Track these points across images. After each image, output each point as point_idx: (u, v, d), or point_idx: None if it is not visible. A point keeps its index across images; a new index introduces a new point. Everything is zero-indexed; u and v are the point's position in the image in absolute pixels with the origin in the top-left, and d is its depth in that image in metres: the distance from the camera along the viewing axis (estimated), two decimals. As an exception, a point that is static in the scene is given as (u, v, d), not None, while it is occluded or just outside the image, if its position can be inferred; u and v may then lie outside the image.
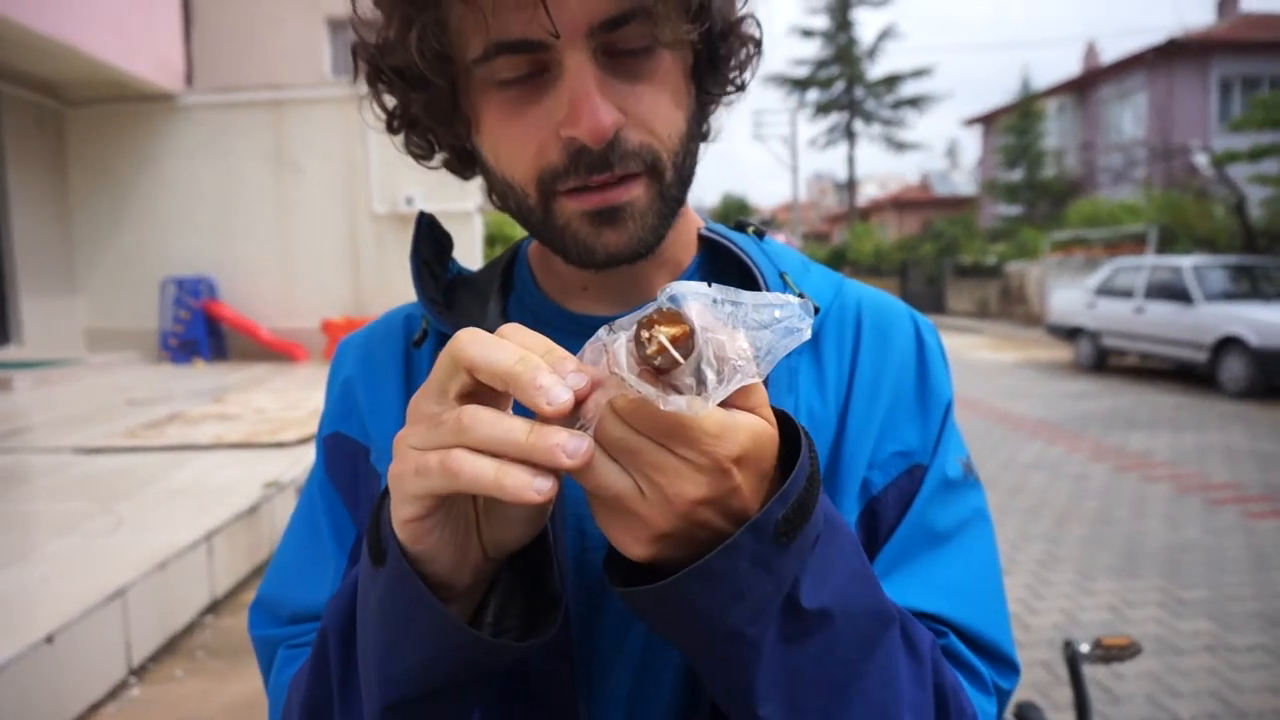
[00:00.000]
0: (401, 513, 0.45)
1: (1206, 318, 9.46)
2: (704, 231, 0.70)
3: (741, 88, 0.63)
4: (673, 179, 0.58)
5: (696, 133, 0.61)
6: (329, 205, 10.24)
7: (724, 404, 0.42)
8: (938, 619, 0.59)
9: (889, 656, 0.50)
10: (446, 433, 0.42)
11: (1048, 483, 5.73)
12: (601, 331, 0.42)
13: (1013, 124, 23.72)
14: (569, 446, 0.40)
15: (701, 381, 0.39)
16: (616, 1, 0.51)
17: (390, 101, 0.62)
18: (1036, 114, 23.49)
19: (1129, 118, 21.53)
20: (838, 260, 31.50)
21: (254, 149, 10.25)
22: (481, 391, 0.43)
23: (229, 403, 6.90)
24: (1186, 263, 10.34)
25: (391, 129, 0.64)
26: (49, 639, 2.53)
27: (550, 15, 0.50)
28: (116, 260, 10.31)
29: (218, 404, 6.84)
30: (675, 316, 0.39)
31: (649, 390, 0.39)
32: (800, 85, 32.09)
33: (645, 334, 0.39)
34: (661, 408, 0.39)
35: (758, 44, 0.63)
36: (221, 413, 6.38)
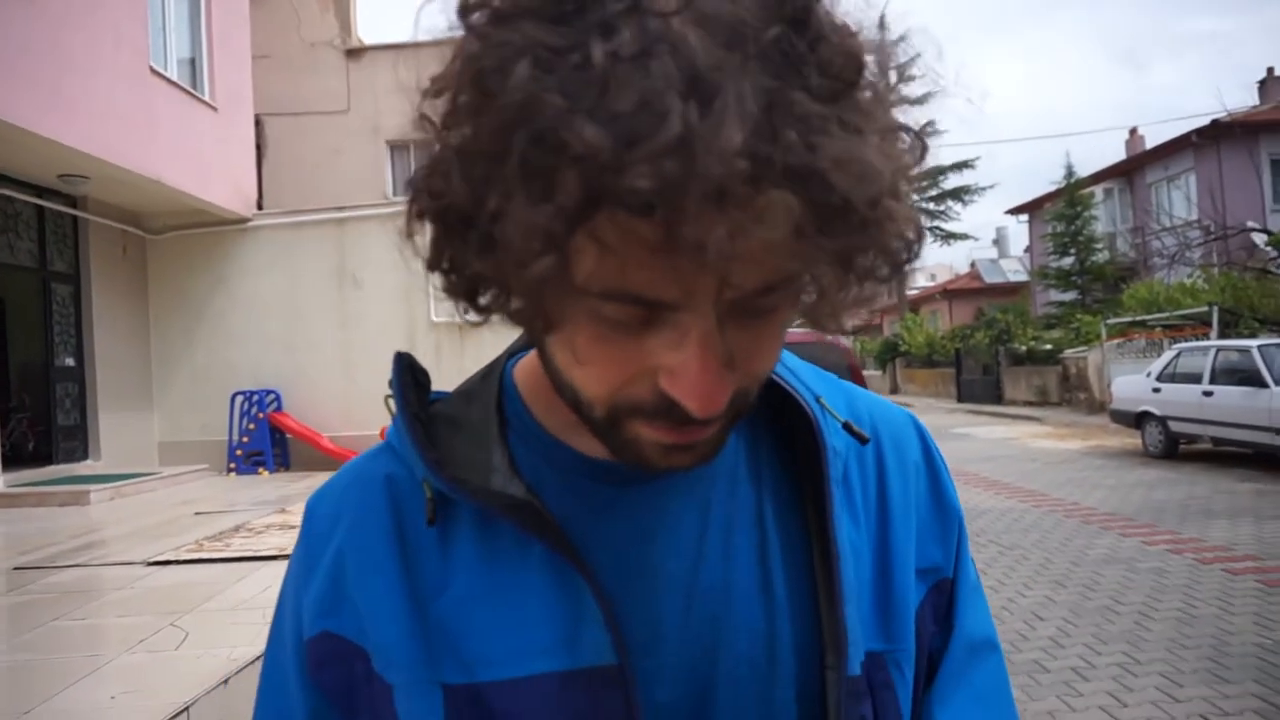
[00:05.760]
0: None
1: (1279, 400, 9.10)
2: None
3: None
4: (755, 397, 0.50)
5: None
6: (389, 316, 10.63)
7: None
8: None
9: None
10: None
11: (1124, 579, 5.46)
12: None
13: (1060, 211, 23.69)
14: None
15: None
16: (773, 276, 0.42)
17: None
18: (1083, 200, 23.45)
19: (1179, 199, 21.36)
20: (891, 351, 31.26)
21: (318, 266, 10.78)
22: None
23: (291, 513, 7.04)
24: (1254, 344, 10.04)
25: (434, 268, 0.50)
26: (116, 757, 2.57)
27: (715, 294, 0.42)
28: (189, 376, 10.78)
29: (281, 514, 6.99)
30: None
31: None
32: (842, 182, 32.57)
33: None
34: None
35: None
36: (285, 522, 6.51)
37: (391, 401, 0.59)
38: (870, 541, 0.59)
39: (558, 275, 0.40)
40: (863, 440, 0.60)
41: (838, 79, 0.39)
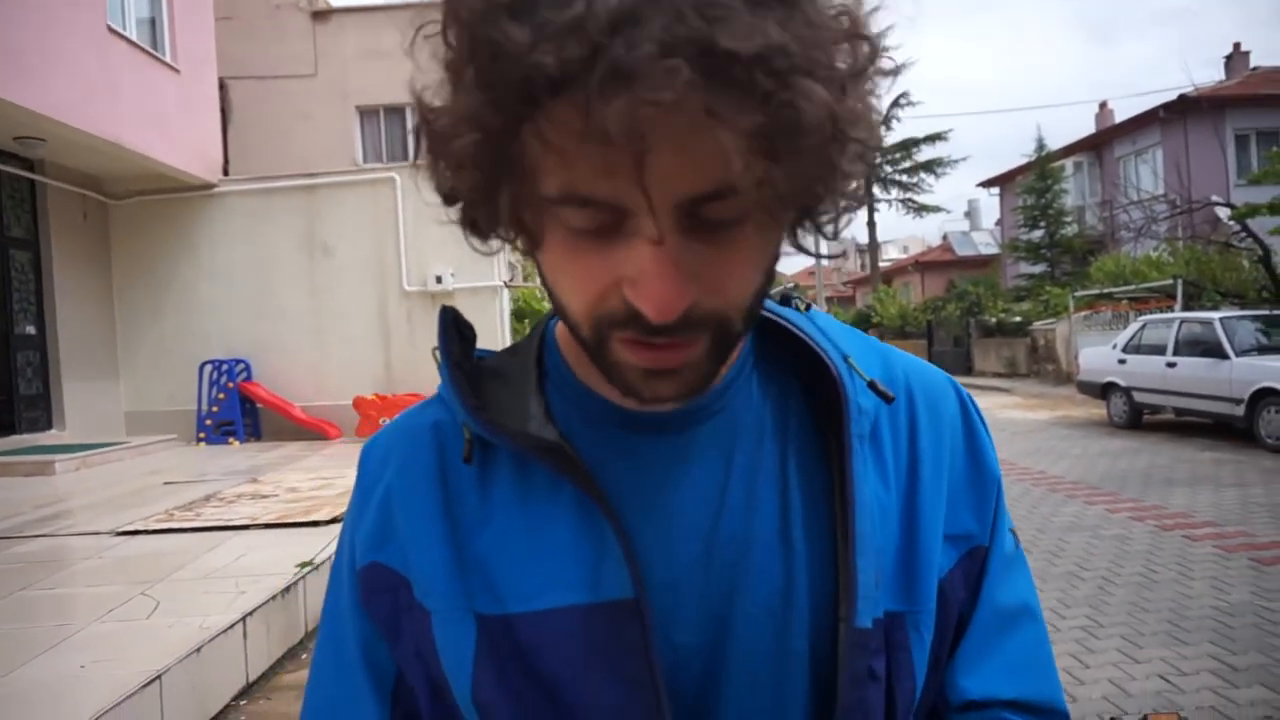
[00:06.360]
0: None
1: (1240, 371, 9.31)
2: None
3: (834, 236, 0.55)
4: (741, 329, 0.52)
5: (773, 275, 0.54)
6: (360, 285, 10.50)
7: None
8: (1016, 703, 0.62)
9: None
10: None
11: (1088, 545, 5.60)
12: None
13: (1030, 184, 23.88)
14: None
15: None
16: (713, 176, 0.44)
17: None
18: (1054, 173, 23.66)
19: (1147, 174, 21.62)
20: (863, 323, 31.52)
21: (287, 233, 10.59)
22: None
23: (263, 482, 6.98)
24: (1216, 316, 10.25)
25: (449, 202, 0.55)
26: (87, 726, 2.55)
27: (637, 178, 0.44)
28: (156, 345, 10.60)
29: (252, 484, 6.93)
30: None
31: None
32: (817, 153, 32.54)
33: None
34: None
35: (864, 197, 0.54)
36: (256, 492, 6.46)
37: (438, 353, 0.63)
38: (899, 502, 0.60)
39: (496, 169, 0.46)
40: (887, 399, 0.61)
41: None
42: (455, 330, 0.64)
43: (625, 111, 0.39)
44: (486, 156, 0.46)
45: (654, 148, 0.42)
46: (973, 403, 0.68)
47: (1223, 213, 16.04)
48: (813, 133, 0.42)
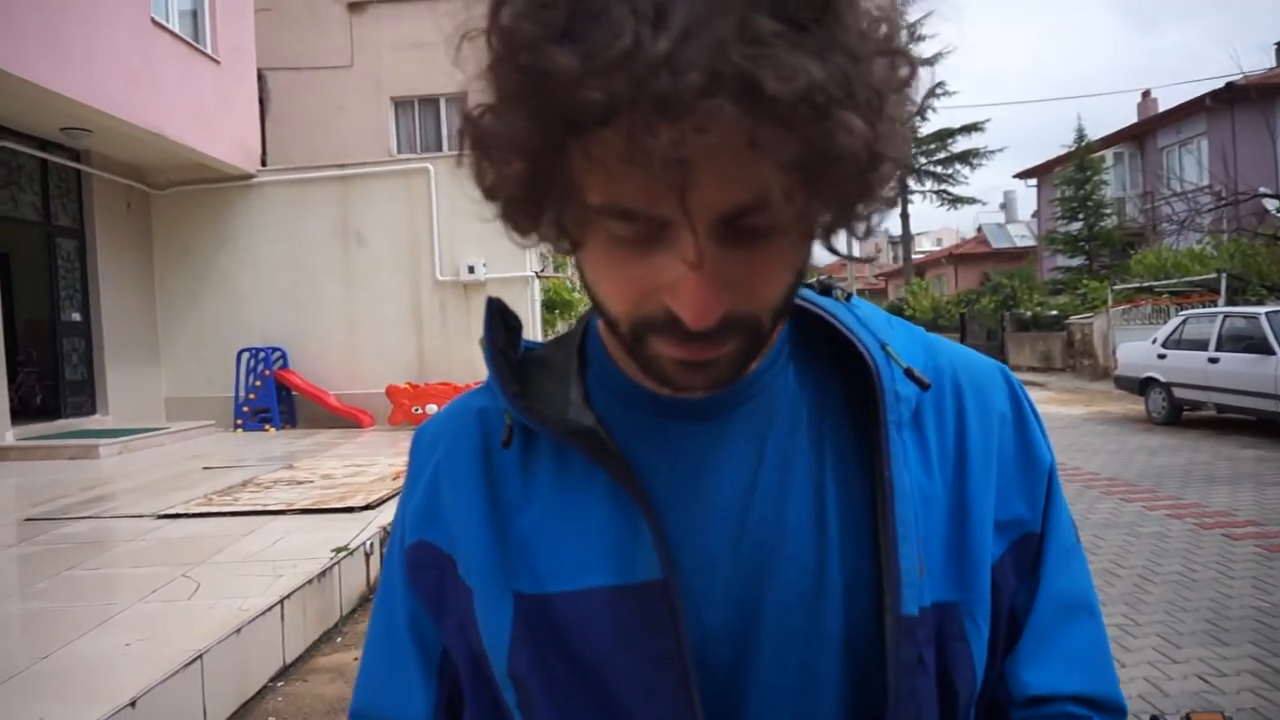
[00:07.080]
0: None
1: (1286, 367, 9.08)
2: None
3: (866, 236, 0.55)
4: (769, 328, 0.54)
5: (805, 273, 0.55)
6: (393, 274, 10.61)
7: None
8: (1079, 698, 0.62)
9: None
10: None
11: (1124, 542, 5.51)
12: None
13: (1069, 175, 23.42)
14: None
15: None
16: (752, 195, 0.45)
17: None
18: (1093, 164, 23.17)
19: (1191, 164, 21.09)
20: (896, 316, 31.22)
21: (323, 223, 10.72)
22: None
23: (299, 469, 7.10)
24: (1262, 311, 9.99)
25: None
26: (132, 704, 2.62)
27: (680, 203, 0.45)
28: (195, 332, 10.81)
29: (288, 470, 7.05)
30: None
31: None
32: (850, 144, 32.17)
33: None
34: None
35: (895, 198, 0.53)
36: (292, 478, 6.58)
37: (483, 342, 0.66)
38: (946, 491, 0.60)
39: (542, 185, 0.48)
40: (923, 386, 0.60)
41: (799, 3, 0.42)
42: (500, 320, 0.67)
43: (670, 143, 0.41)
44: (531, 175, 0.48)
45: (697, 173, 0.43)
46: (1023, 390, 0.67)
47: (1271, 204, 15.62)
48: (850, 162, 0.44)
